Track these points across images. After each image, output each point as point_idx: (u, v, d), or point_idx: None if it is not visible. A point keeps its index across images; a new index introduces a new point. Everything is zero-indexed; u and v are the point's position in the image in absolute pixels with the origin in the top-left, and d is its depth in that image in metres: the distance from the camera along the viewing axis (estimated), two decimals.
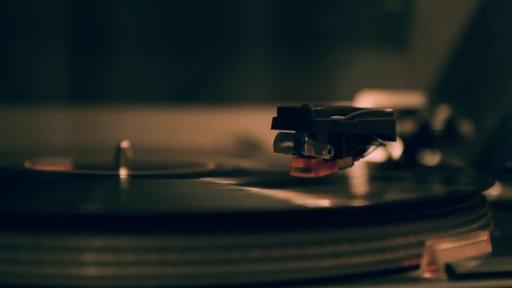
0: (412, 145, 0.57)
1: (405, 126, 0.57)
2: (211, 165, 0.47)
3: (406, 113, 0.58)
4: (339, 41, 0.77)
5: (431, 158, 0.57)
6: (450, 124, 0.58)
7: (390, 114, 0.38)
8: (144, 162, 0.48)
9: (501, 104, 0.66)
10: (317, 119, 0.36)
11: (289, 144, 0.36)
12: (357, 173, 0.43)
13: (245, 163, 0.50)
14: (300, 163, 0.37)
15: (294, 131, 0.36)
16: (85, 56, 0.72)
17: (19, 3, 0.71)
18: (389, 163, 0.54)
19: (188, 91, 0.76)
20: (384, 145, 0.39)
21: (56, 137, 0.71)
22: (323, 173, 0.37)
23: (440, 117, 0.58)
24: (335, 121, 0.36)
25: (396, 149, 0.55)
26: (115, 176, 0.42)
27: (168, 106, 0.74)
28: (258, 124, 0.67)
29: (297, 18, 0.77)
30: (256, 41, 0.75)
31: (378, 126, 0.38)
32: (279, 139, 0.37)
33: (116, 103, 0.72)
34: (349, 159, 0.38)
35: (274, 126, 0.37)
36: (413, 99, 0.61)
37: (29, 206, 0.32)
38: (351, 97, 0.66)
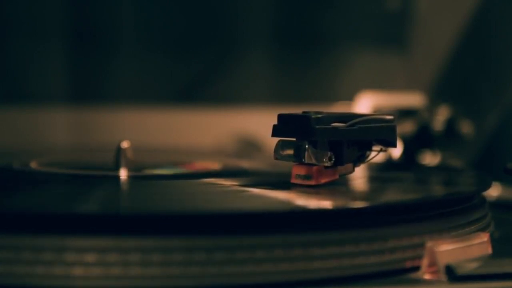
0: (412, 146, 0.57)
1: (405, 127, 0.57)
2: (211, 166, 0.47)
3: (406, 113, 0.58)
4: (339, 41, 0.77)
5: (431, 159, 0.57)
6: (450, 124, 0.58)
7: (390, 120, 0.38)
8: (144, 162, 0.48)
9: (501, 104, 0.66)
10: (317, 127, 0.36)
11: (290, 151, 0.36)
12: (358, 174, 0.43)
13: (245, 164, 0.50)
14: (301, 171, 0.37)
15: (294, 139, 0.36)
16: (85, 56, 0.72)
17: (19, 3, 0.71)
18: (389, 164, 0.54)
19: (188, 91, 0.76)
20: (385, 151, 0.39)
21: (56, 137, 0.71)
22: (324, 180, 0.37)
23: (440, 117, 0.58)
24: (336, 128, 0.36)
25: (396, 149, 0.55)
26: (115, 176, 0.42)
27: (168, 106, 0.74)
28: (258, 124, 0.67)
29: (297, 19, 0.77)
30: (256, 41, 0.75)
31: (379, 132, 0.38)
32: (280, 146, 0.37)
33: (116, 103, 0.72)
34: (349, 165, 0.38)
35: (275, 134, 0.37)
36: (413, 99, 0.61)
37: (28, 207, 0.32)
38: (351, 98, 0.66)
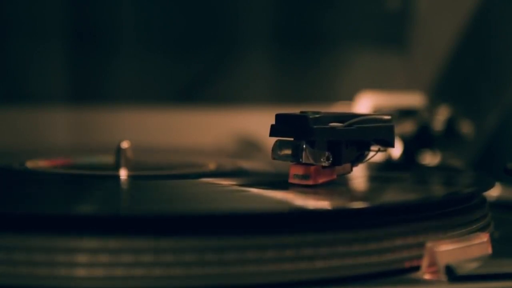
0: (412, 146, 0.57)
1: (405, 127, 0.57)
2: (211, 166, 0.47)
3: (406, 113, 0.58)
4: (339, 41, 0.77)
5: (431, 159, 0.57)
6: (450, 124, 0.58)
7: (388, 120, 0.38)
8: (144, 162, 0.48)
9: (501, 104, 0.66)
10: (315, 126, 0.36)
11: (288, 151, 0.36)
12: (357, 174, 0.43)
13: (245, 164, 0.50)
14: (299, 171, 0.37)
15: (292, 139, 0.36)
16: (85, 56, 0.72)
17: (19, 3, 0.71)
18: (389, 164, 0.54)
19: (188, 91, 0.76)
20: (383, 151, 0.39)
21: (56, 137, 0.71)
22: (321, 180, 0.37)
23: (440, 117, 0.58)
24: (334, 128, 0.36)
25: (396, 149, 0.55)
26: (115, 176, 0.42)
27: (168, 106, 0.74)
28: (258, 124, 0.67)
29: (297, 19, 0.77)
30: (256, 41, 0.75)
31: (377, 132, 0.38)
32: (278, 146, 0.37)
33: (116, 103, 0.72)
34: (347, 165, 0.38)
35: (272, 133, 0.37)
36: (413, 99, 0.62)
37: (27, 207, 0.32)
38: (351, 98, 0.66)
